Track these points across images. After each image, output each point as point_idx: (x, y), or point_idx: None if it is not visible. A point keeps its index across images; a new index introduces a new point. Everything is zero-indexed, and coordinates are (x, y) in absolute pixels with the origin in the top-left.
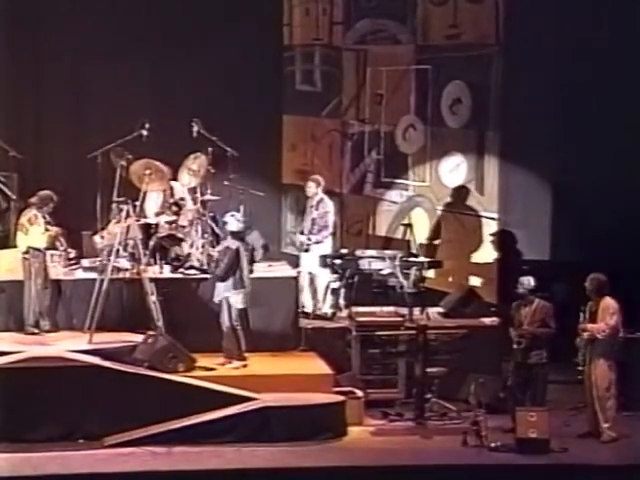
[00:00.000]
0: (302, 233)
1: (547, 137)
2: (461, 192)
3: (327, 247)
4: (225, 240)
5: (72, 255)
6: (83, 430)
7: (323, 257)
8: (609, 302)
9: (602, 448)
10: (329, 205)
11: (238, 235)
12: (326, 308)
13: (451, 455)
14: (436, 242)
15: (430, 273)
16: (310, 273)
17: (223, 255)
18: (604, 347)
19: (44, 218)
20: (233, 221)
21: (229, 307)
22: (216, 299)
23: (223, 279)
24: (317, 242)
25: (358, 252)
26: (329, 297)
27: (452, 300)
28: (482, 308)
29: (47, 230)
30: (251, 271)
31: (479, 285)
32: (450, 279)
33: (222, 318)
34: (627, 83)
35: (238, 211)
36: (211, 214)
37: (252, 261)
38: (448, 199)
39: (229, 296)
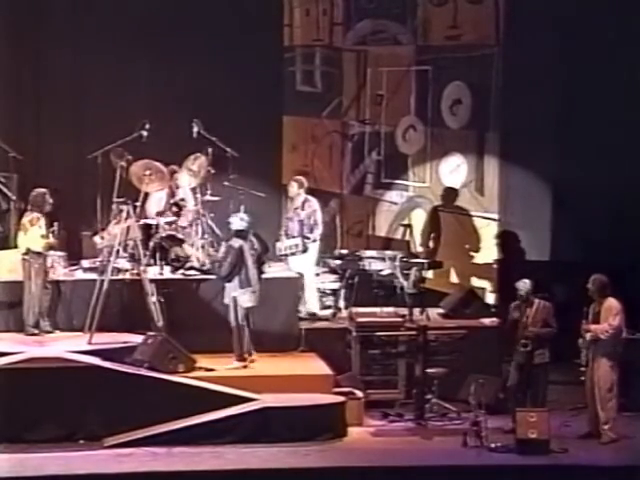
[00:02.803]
0: (287, 236)
1: (547, 137)
2: (450, 193)
3: (315, 248)
4: (229, 240)
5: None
6: (83, 431)
7: (323, 259)
8: (612, 303)
9: (602, 449)
10: (315, 203)
11: (242, 234)
12: (316, 309)
13: (451, 456)
14: (430, 241)
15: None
16: (301, 274)
17: (226, 254)
18: (607, 348)
19: (51, 225)
20: (237, 220)
21: (235, 307)
22: (226, 300)
23: (227, 279)
24: (314, 240)
25: (358, 253)
26: (318, 298)
27: (452, 301)
28: (482, 309)
29: (47, 237)
30: (262, 272)
31: (488, 287)
32: (456, 280)
33: (230, 318)
34: (627, 83)
35: (239, 212)
36: (212, 215)
37: (262, 262)
38: (439, 200)
39: (236, 295)
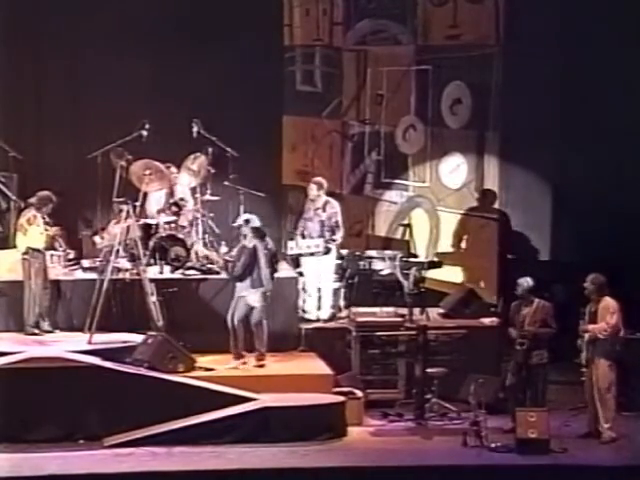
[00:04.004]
0: (303, 237)
1: (547, 137)
2: (488, 196)
3: (334, 252)
4: (243, 240)
5: (71, 256)
6: (83, 430)
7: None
8: (609, 302)
9: (602, 448)
10: (336, 205)
11: (260, 232)
12: (325, 314)
13: (451, 455)
14: (462, 242)
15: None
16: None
17: (239, 254)
18: (605, 347)
19: (43, 218)
20: (255, 218)
21: (237, 305)
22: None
23: (240, 279)
24: (336, 242)
25: (358, 252)
26: (329, 301)
27: (452, 301)
28: (482, 309)
29: (46, 230)
30: (275, 271)
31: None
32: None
33: (228, 316)
34: (627, 83)
35: (238, 212)
36: (211, 215)
37: (276, 261)
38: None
39: (246, 295)
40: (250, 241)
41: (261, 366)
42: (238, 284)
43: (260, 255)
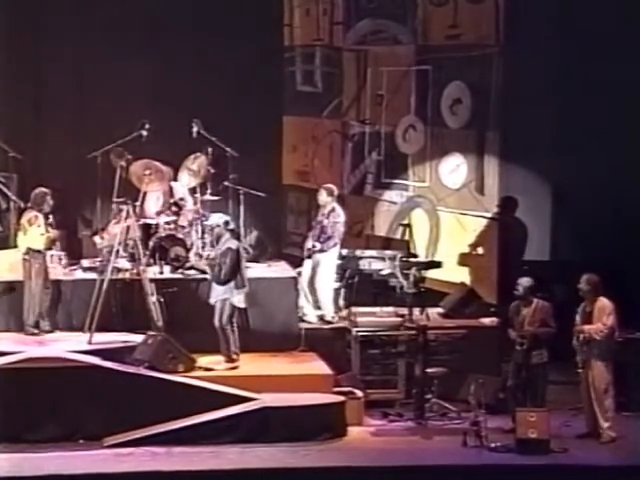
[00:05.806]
0: (312, 239)
1: (547, 137)
2: (509, 203)
3: (334, 255)
4: (225, 241)
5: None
6: (83, 430)
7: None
8: (605, 303)
9: (602, 448)
10: (340, 216)
11: (236, 234)
12: (329, 314)
13: (451, 455)
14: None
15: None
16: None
17: (224, 257)
18: (601, 348)
19: (46, 219)
20: (230, 219)
21: (222, 307)
22: (212, 300)
23: (227, 282)
24: (321, 251)
25: (358, 252)
26: (330, 303)
27: (452, 301)
28: (482, 309)
29: (47, 232)
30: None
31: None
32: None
33: (216, 319)
34: (627, 83)
35: (238, 212)
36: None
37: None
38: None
39: (230, 297)
40: (231, 242)
41: (234, 368)
42: (216, 288)
43: (242, 256)
